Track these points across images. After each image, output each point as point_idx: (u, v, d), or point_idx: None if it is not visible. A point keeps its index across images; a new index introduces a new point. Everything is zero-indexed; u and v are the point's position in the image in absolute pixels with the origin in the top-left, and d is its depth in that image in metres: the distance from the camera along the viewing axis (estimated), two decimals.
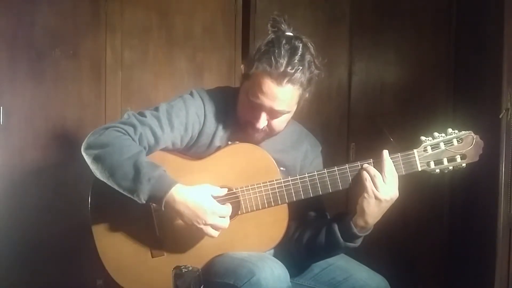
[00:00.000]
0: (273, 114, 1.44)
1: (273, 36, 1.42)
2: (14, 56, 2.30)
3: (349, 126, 2.61)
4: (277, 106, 1.42)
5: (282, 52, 1.37)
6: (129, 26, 2.42)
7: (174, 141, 1.48)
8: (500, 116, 1.92)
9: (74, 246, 2.27)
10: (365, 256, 1.60)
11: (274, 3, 2.54)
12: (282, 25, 1.45)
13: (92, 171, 1.41)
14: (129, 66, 2.43)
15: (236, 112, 1.52)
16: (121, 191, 1.36)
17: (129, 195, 1.36)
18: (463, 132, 1.44)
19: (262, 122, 1.44)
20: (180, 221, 1.41)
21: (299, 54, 1.39)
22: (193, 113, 1.49)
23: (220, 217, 1.37)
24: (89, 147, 1.40)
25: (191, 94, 1.53)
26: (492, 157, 1.91)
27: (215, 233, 1.38)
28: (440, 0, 2.64)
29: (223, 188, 1.43)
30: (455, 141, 1.43)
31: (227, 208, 1.40)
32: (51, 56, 2.34)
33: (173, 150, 1.51)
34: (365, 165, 1.41)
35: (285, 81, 1.38)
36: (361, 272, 1.52)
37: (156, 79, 2.45)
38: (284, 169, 1.53)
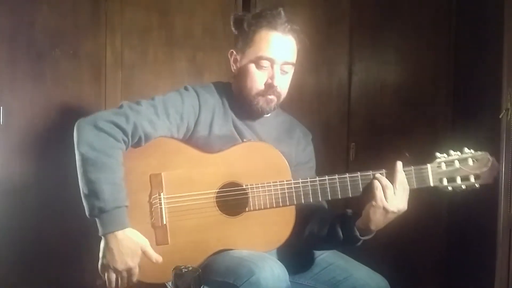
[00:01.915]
0: (283, 68, 1.54)
1: (256, 11, 1.57)
2: (14, 56, 2.30)
3: (349, 126, 2.61)
4: (287, 57, 1.54)
5: (273, 13, 1.53)
6: (129, 26, 2.42)
7: (171, 129, 1.51)
8: (500, 116, 1.92)
9: (74, 246, 2.28)
10: (365, 257, 1.60)
11: (274, 3, 2.53)
12: (239, 14, 1.61)
13: None
14: (129, 66, 2.43)
15: (234, 98, 1.60)
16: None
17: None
18: (479, 152, 1.45)
19: (277, 76, 1.53)
20: (188, 212, 1.44)
21: (283, 13, 1.54)
22: (189, 104, 1.54)
23: (125, 274, 1.42)
24: (78, 137, 1.43)
25: (186, 88, 1.60)
26: (492, 157, 1.91)
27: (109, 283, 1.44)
28: (440, 0, 2.64)
29: (159, 256, 1.45)
30: (470, 161, 1.43)
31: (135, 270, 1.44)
32: (51, 56, 2.34)
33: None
34: (378, 175, 1.42)
35: (287, 30, 1.54)
36: (361, 272, 1.53)
37: (156, 79, 2.45)
38: None
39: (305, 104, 2.58)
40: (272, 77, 1.53)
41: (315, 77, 2.59)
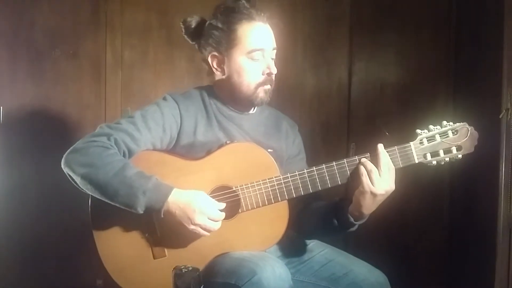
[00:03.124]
0: (272, 55, 1.56)
1: (222, 11, 1.55)
2: (14, 56, 2.30)
3: (349, 126, 2.61)
4: (274, 43, 1.56)
5: (243, 5, 1.53)
6: (129, 26, 2.42)
7: (153, 142, 1.49)
8: (500, 116, 1.92)
9: (74, 246, 2.28)
10: (364, 255, 1.61)
11: (274, 3, 2.54)
12: (193, 20, 1.61)
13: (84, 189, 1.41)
14: (129, 66, 2.43)
15: (220, 100, 1.59)
16: (117, 205, 1.38)
17: (125, 209, 1.37)
18: (457, 124, 1.48)
19: (272, 65, 1.55)
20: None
21: (245, 4, 1.54)
22: (169, 114, 1.52)
23: (210, 218, 1.39)
24: (71, 169, 1.40)
25: (164, 98, 1.57)
26: (492, 157, 1.91)
27: (204, 233, 1.40)
28: (440, 0, 2.64)
29: (221, 203, 1.43)
30: (450, 133, 1.47)
31: (218, 211, 1.41)
32: (51, 56, 2.34)
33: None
34: (363, 160, 1.44)
35: (264, 18, 1.54)
36: (361, 267, 1.54)
37: (156, 79, 2.45)
38: (272, 150, 1.55)
39: (305, 104, 2.58)
40: (269, 66, 1.54)
41: (315, 77, 2.60)
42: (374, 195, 1.40)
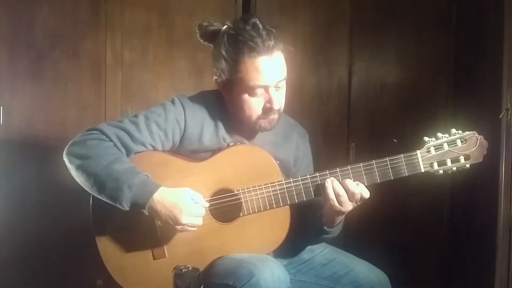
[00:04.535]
0: (278, 87, 1.48)
1: (230, 31, 1.45)
2: (14, 56, 2.30)
3: (349, 126, 2.61)
4: (280, 76, 1.46)
5: (251, 33, 1.41)
6: (129, 26, 2.42)
7: (154, 144, 1.49)
8: (500, 116, 1.92)
9: (74, 246, 2.27)
10: (365, 255, 1.61)
11: (274, 3, 2.54)
12: (212, 26, 1.49)
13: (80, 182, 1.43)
14: (129, 66, 2.43)
15: (229, 114, 1.54)
16: (104, 200, 1.38)
17: (112, 203, 1.37)
18: (467, 132, 1.42)
19: (276, 100, 1.47)
20: None
21: (261, 26, 1.42)
22: (172, 119, 1.49)
23: (195, 216, 1.40)
24: (69, 160, 1.43)
25: (172, 101, 1.53)
26: (492, 157, 1.91)
27: (191, 230, 1.41)
28: (440, 0, 2.64)
29: (200, 196, 1.44)
30: (458, 142, 1.41)
31: (203, 209, 1.42)
32: (51, 56, 2.34)
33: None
34: (331, 181, 1.42)
35: (271, 47, 1.42)
36: (362, 266, 1.55)
37: (156, 79, 2.45)
38: (279, 162, 1.53)
39: (305, 104, 2.58)
40: (270, 101, 1.46)
41: (315, 77, 2.59)
42: (345, 212, 1.43)
